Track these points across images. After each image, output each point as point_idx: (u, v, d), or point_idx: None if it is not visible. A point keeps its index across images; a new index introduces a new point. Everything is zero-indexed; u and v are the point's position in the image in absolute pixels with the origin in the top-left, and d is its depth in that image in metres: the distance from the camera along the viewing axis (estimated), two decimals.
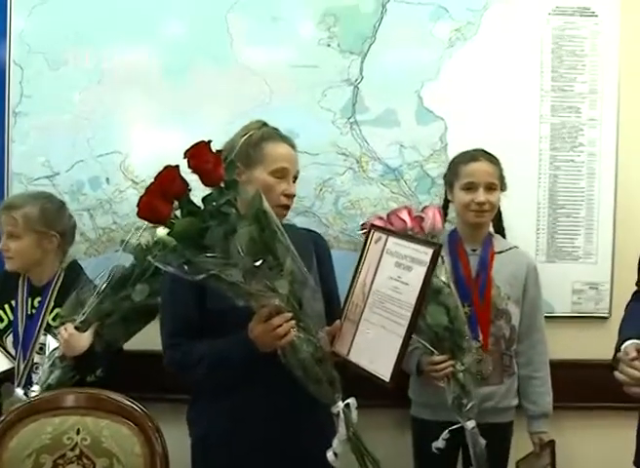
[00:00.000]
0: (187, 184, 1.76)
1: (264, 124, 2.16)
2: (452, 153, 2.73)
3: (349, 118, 2.79)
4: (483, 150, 2.52)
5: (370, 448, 1.90)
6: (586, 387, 2.71)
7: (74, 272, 2.52)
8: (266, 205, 1.79)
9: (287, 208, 2.10)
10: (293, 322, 1.83)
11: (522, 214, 2.79)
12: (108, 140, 2.80)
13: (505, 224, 2.65)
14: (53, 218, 2.49)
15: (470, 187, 2.45)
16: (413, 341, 2.14)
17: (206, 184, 1.79)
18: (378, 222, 2.08)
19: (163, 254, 1.78)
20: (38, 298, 2.47)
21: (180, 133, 2.77)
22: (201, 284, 1.77)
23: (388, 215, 2.15)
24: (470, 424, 2.14)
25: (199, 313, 2.02)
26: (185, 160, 1.76)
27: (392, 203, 2.77)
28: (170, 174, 1.74)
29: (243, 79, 2.77)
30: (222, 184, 1.79)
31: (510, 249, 2.56)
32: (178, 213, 1.77)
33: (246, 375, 1.96)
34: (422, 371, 2.31)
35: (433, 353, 2.18)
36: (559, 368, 2.62)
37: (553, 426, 2.57)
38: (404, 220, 2.08)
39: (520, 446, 2.56)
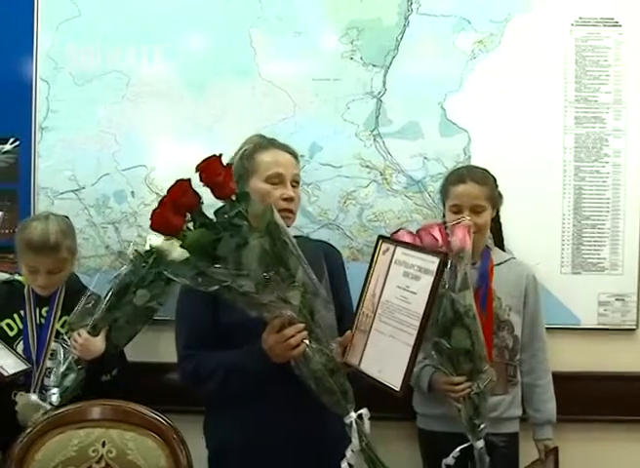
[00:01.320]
0: (199, 197, 1.78)
1: (260, 136, 2.21)
2: (476, 164, 2.73)
3: (373, 130, 2.79)
4: (473, 168, 2.54)
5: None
6: (614, 400, 2.68)
7: (75, 282, 2.60)
8: (277, 217, 1.81)
9: (290, 212, 2.11)
10: (305, 332, 1.85)
11: (547, 225, 2.77)
12: (133, 154, 2.83)
13: (529, 236, 2.65)
14: (75, 236, 2.58)
15: (456, 210, 2.45)
16: (422, 358, 2.18)
17: (217, 197, 1.81)
18: (407, 238, 2.07)
19: (177, 266, 1.80)
20: (45, 308, 2.53)
21: (204, 146, 2.78)
22: (214, 295, 1.79)
23: (418, 231, 2.14)
24: (480, 444, 2.13)
25: (213, 326, 2.04)
26: (197, 173, 1.79)
27: (416, 215, 2.78)
28: (181, 186, 1.76)
29: (266, 93, 2.79)
30: (234, 197, 1.81)
31: (508, 260, 2.56)
32: (191, 225, 1.80)
33: (260, 387, 1.97)
34: (434, 389, 2.34)
35: (451, 373, 2.16)
36: (585, 380, 2.60)
37: (583, 439, 2.54)
38: (435, 238, 2.06)
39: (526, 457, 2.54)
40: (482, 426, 2.12)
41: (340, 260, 2.30)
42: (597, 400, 2.64)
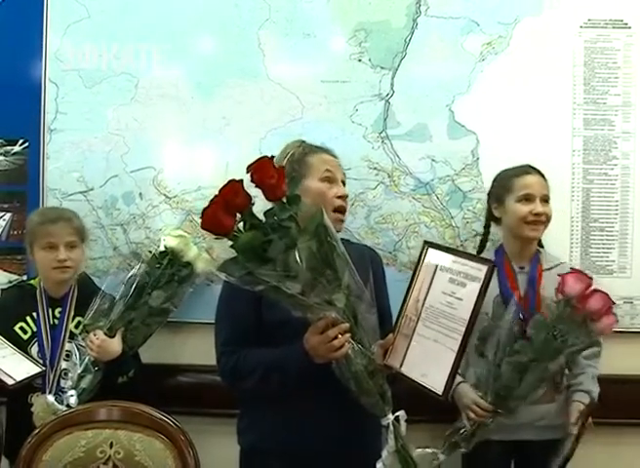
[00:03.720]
0: (250, 198, 1.77)
1: (303, 141, 2.25)
2: (484, 167, 2.73)
3: (381, 132, 2.79)
4: (530, 165, 2.51)
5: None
6: (621, 403, 2.67)
7: (88, 283, 2.63)
8: (327, 220, 1.82)
9: (343, 210, 2.18)
10: (348, 334, 1.85)
11: (555, 228, 2.73)
12: (141, 156, 2.83)
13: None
14: (85, 227, 2.60)
15: (528, 199, 2.44)
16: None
17: (269, 199, 1.80)
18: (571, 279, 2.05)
19: (225, 265, 1.80)
20: (58, 309, 2.53)
21: (212, 148, 2.81)
22: (260, 295, 1.80)
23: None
24: (442, 457, 2.08)
25: (255, 324, 2.05)
26: (249, 174, 1.78)
27: (424, 217, 2.78)
28: (234, 187, 1.75)
29: (275, 95, 2.80)
30: (284, 199, 1.81)
31: (558, 265, 2.52)
32: (240, 226, 1.79)
33: (300, 386, 1.97)
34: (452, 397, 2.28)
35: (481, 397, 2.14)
36: None
37: (591, 442, 2.52)
38: (604, 301, 2.04)
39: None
40: (462, 451, 2.10)
41: (381, 265, 2.34)
42: (605, 403, 2.63)
